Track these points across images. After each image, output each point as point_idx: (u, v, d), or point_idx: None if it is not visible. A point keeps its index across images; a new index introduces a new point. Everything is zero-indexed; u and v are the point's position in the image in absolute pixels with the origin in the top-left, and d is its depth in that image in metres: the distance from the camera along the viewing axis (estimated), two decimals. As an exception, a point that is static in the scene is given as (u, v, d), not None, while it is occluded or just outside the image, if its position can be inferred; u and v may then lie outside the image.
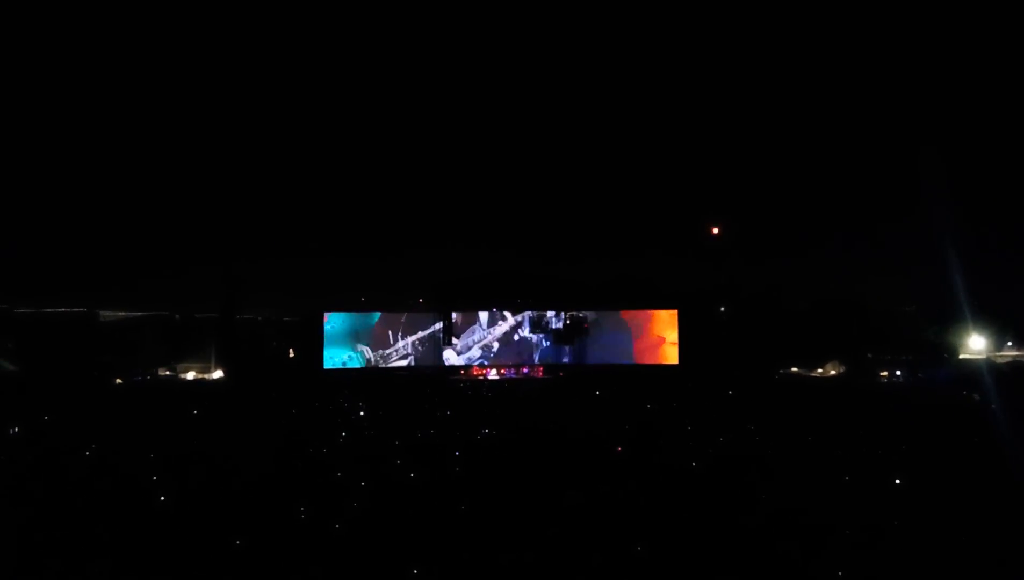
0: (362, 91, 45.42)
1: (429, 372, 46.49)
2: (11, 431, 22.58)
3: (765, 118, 45.20)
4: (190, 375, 45.31)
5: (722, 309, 49.37)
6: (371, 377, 43.68)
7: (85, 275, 43.71)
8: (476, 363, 47.55)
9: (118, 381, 41.83)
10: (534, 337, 48.19)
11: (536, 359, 47.99)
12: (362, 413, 27.27)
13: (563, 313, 48.20)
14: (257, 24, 41.14)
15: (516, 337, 48.09)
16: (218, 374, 45.48)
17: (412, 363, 47.04)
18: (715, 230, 47.29)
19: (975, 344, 45.13)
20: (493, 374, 47.00)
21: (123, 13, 38.63)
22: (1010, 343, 47.66)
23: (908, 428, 21.40)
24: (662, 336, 48.26)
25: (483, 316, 47.91)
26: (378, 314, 47.66)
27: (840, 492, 13.80)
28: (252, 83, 43.93)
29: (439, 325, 47.43)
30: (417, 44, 43.55)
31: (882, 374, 44.49)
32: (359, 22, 41.97)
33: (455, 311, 47.82)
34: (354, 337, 46.95)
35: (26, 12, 37.06)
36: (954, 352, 45.10)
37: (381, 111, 46.17)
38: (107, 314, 46.43)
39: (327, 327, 46.78)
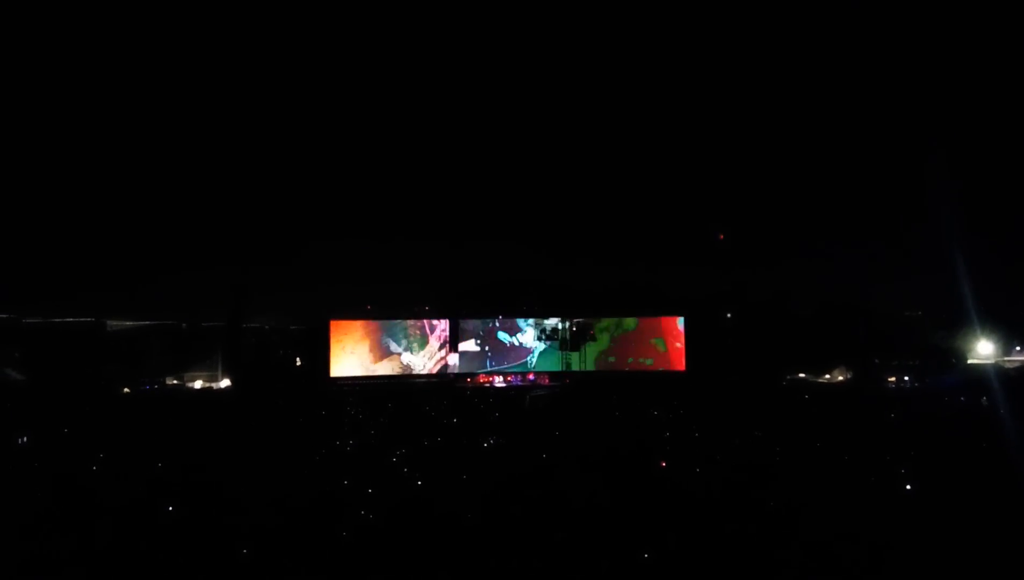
0: (370, 98, 45.68)
1: (435, 379, 46.54)
2: (19, 441, 22.65)
3: (772, 124, 45.27)
4: (197, 384, 45.39)
5: (729, 315, 49.32)
6: (378, 385, 43.71)
7: (93, 285, 43.90)
8: (482, 371, 47.55)
9: (125, 390, 41.93)
10: (541, 344, 48.17)
11: (542, 366, 47.96)
12: (368, 423, 27.24)
13: (569, 320, 48.19)
14: (266, 37, 41.52)
15: (521, 343, 48.11)
16: (225, 383, 45.58)
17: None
18: (721, 236, 47.34)
19: (983, 349, 44.97)
20: (499, 381, 46.96)
21: (137, 26, 39.04)
22: (1018, 348, 47.44)
23: (916, 434, 21.30)
24: (669, 342, 48.19)
25: (488, 323, 48.00)
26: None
27: (849, 498, 13.72)
28: (258, 90, 44.24)
29: (447, 333, 47.56)
30: (422, 57, 43.82)
31: (889, 379, 44.32)
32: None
33: (462, 318, 47.88)
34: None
35: (39, 19, 37.39)
36: (962, 357, 44.93)
37: (389, 116, 46.45)
38: (114, 323, 46.56)
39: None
